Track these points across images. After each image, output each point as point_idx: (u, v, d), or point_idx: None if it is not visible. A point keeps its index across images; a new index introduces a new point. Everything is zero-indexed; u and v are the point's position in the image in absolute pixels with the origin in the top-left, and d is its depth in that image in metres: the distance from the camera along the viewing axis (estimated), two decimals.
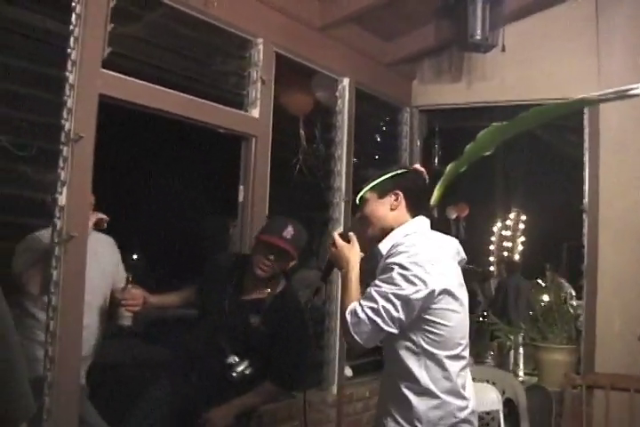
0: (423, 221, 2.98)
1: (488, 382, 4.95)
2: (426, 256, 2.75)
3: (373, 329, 2.64)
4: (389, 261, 2.74)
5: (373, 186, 3.00)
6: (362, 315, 2.64)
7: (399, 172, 3.02)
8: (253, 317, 3.59)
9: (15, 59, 3.23)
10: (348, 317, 2.67)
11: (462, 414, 2.78)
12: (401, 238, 2.86)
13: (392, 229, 2.94)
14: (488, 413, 4.64)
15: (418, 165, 3.17)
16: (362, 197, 3.04)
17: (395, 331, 2.67)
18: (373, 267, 3.00)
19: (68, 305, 3.18)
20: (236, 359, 3.53)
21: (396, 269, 2.68)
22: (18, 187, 3.24)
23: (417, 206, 2.97)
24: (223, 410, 3.53)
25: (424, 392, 2.75)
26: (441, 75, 5.95)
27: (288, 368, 3.62)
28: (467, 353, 2.86)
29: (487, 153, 2.94)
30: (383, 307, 2.63)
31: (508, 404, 4.93)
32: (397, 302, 2.64)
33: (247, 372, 3.53)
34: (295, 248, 3.60)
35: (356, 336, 2.66)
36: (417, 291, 2.66)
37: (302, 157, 4.94)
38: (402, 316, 2.65)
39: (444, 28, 5.49)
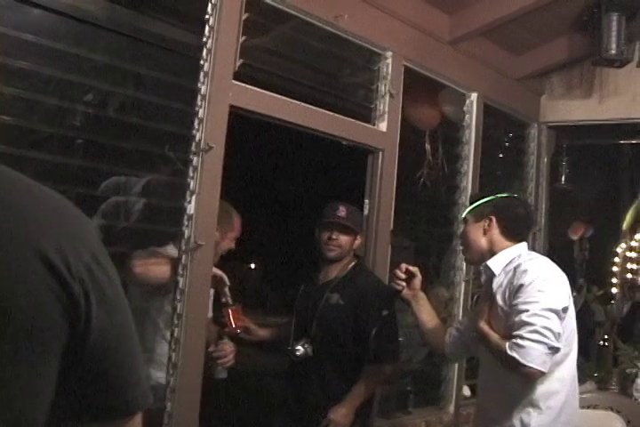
0: (526, 247, 3.02)
1: (612, 409, 4.76)
2: (548, 272, 2.78)
3: (544, 350, 2.60)
4: (518, 282, 2.73)
5: (472, 209, 3.03)
6: (526, 342, 2.60)
7: (498, 196, 3.03)
8: (329, 294, 3.80)
9: (150, 70, 3.31)
10: (512, 353, 2.62)
11: None
12: (513, 259, 2.87)
13: (488, 253, 2.95)
14: None
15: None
16: (464, 217, 3.15)
17: (561, 346, 2.64)
18: (486, 283, 3.02)
19: (193, 312, 3.22)
20: (297, 342, 3.76)
21: (531, 287, 2.67)
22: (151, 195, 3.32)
23: (513, 233, 2.98)
24: (343, 408, 3.58)
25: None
26: (571, 90, 5.80)
27: (378, 340, 3.64)
28: None
29: None
30: (542, 326, 2.61)
31: None
32: (551, 316, 2.63)
33: (308, 349, 3.71)
34: (353, 222, 3.84)
35: (530, 365, 2.60)
36: (557, 301, 2.66)
37: (427, 172, 4.89)
38: (559, 329, 2.63)
39: (575, 42, 5.35)
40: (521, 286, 2.72)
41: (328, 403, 3.63)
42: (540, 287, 2.70)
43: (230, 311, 3.55)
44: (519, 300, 2.70)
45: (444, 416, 4.95)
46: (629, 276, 12.64)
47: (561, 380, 2.83)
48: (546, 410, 2.79)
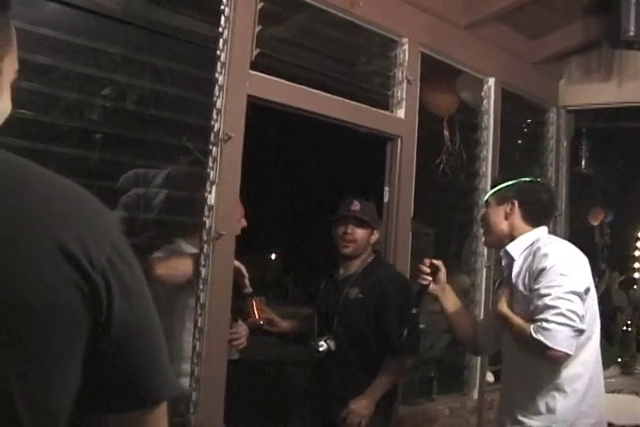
0: (545, 231, 2.98)
1: (637, 393, 4.75)
2: (569, 255, 2.77)
3: (569, 333, 2.60)
4: (539, 267, 2.73)
5: (495, 191, 3.01)
6: (551, 325, 2.60)
7: (521, 180, 3.01)
8: (349, 289, 3.81)
9: (168, 61, 3.31)
10: (538, 335, 2.62)
11: None
12: (532, 243, 2.86)
13: (507, 237, 2.94)
14: (637, 426, 4.46)
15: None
16: (487, 200, 3.12)
17: (585, 328, 2.65)
18: (506, 268, 3.01)
19: (215, 302, 3.23)
20: (319, 338, 3.75)
21: (552, 271, 2.66)
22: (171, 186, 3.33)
23: (534, 218, 2.96)
24: (364, 400, 3.61)
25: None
26: (590, 74, 5.75)
27: (397, 332, 3.59)
28: None
29: None
30: (567, 308, 2.61)
31: None
32: (574, 299, 2.63)
33: (330, 344, 3.71)
34: (368, 216, 3.85)
35: (557, 347, 2.61)
36: (579, 283, 2.68)
37: (446, 158, 4.88)
38: (583, 311, 2.64)
39: (593, 24, 5.30)
40: (542, 270, 2.72)
41: (350, 395, 3.66)
42: (562, 271, 2.69)
43: (254, 302, 3.56)
44: (541, 284, 2.69)
45: (467, 403, 4.95)
46: None
47: (584, 363, 2.83)
48: (571, 393, 2.79)
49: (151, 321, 1.13)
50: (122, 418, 1.10)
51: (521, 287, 2.83)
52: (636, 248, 12.22)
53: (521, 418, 2.86)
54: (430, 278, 3.23)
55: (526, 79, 5.48)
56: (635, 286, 11.01)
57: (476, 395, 5.02)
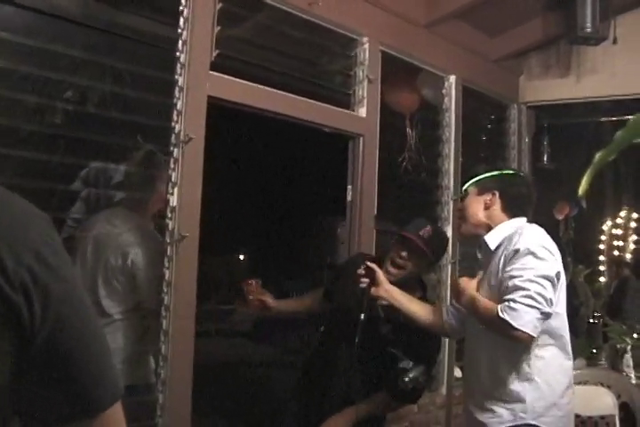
0: (523, 220, 2.98)
1: (603, 385, 4.79)
2: (544, 240, 2.80)
3: (535, 314, 2.62)
4: (513, 248, 2.75)
5: (477, 181, 3.02)
6: (518, 306, 2.62)
7: (503, 172, 3.03)
8: (384, 325, 3.38)
9: (127, 63, 3.30)
10: (504, 315, 2.63)
11: None
12: (510, 231, 2.87)
13: (484, 227, 2.95)
14: (603, 417, 4.50)
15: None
16: (465, 189, 3.10)
17: (552, 312, 2.66)
18: (484, 258, 3.01)
19: (180, 304, 3.22)
20: (409, 364, 3.20)
21: (526, 253, 2.69)
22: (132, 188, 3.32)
23: (513, 209, 2.97)
24: (340, 419, 3.39)
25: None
26: (549, 69, 5.81)
27: (405, 380, 3.29)
28: None
29: (638, 140, 2.91)
30: (535, 291, 2.63)
31: (624, 408, 4.76)
32: (544, 282, 2.65)
33: (420, 378, 3.20)
34: (429, 248, 3.35)
35: (522, 328, 2.61)
36: (551, 268, 2.70)
37: (408, 156, 4.90)
38: (552, 295, 2.66)
39: (551, 21, 5.36)
40: (516, 251, 2.73)
41: (339, 405, 3.43)
42: (536, 254, 2.71)
43: (246, 285, 3.61)
44: (513, 266, 2.70)
45: (436, 398, 4.97)
46: (616, 253, 12.75)
47: (554, 353, 2.85)
48: (542, 384, 2.81)
49: (84, 327, 1.07)
50: None
51: (495, 272, 2.84)
52: (601, 241, 12.37)
53: (490, 406, 2.87)
54: (367, 280, 3.20)
55: (487, 76, 5.52)
56: (601, 279, 11.16)
57: (444, 391, 5.05)
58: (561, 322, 2.88)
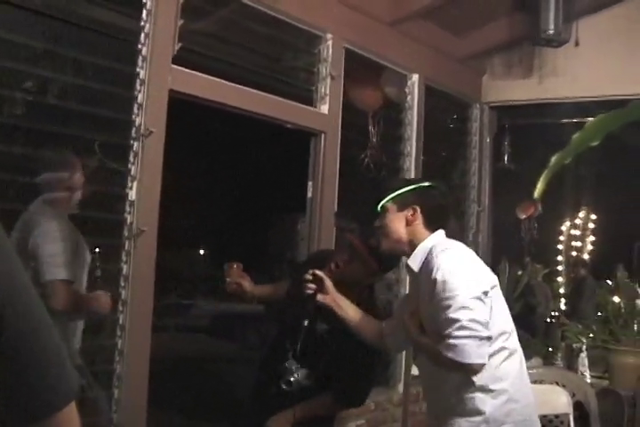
0: (441, 233, 2.91)
1: (557, 384, 4.84)
2: (458, 260, 2.74)
3: (475, 343, 2.58)
4: (432, 277, 2.68)
5: (394, 197, 2.91)
6: (456, 341, 2.57)
7: (422, 185, 2.94)
8: (322, 326, 3.30)
9: (87, 55, 3.26)
10: (448, 354, 2.60)
11: None
12: (429, 252, 2.81)
13: (407, 244, 2.86)
14: (557, 416, 4.53)
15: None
16: (383, 205, 2.94)
17: (490, 335, 2.63)
18: (412, 279, 2.97)
19: (137, 299, 3.21)
20: (295, 366, 3.14)
21: (444, 283, 2.63)
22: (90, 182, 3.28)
23: (434, 223, 2.89)
24: (281, 419, 3.32)
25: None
26: (512, 70, 5.85)
27: (353, 385, 3.34)
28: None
29: (595, 143, 2.89)
30: (467, 319, 2.57)
31: (578, 407, 4.81)
32: (473, 305, 2.60)
33: (304, 382, 3.12)
34: (375, 258, 3.21)
35: (468, 361, 2.58)
36: (476, 286, 2.65)
37: (370, 153, 4.91)
38: (485, 315, 2.62)
39: (515, 22, 5.40)
40: (434, 282, 2.67)
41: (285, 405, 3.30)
42: (454, 280, 2.65)
43: (227, 268, 3.55)
44: (439, 296, 2.65)
45: (393, 396, 4.99)
46: (574, 253, 12.90)
47: (504, 355, 2.85)
48: (499, 393, 2.79)
49: (37, 328, 1.06)
50: None
51: (428, 303, 2.79)
52: (559, 242, 12.51)
53: (451, 421, 2.85)
54: (314, 287, 3.08)
55: (450, 75, 5.55)
56: (558, 279, 11.29)
57: (401, 388, 5.07)
58: (504, 323, 2.84)
